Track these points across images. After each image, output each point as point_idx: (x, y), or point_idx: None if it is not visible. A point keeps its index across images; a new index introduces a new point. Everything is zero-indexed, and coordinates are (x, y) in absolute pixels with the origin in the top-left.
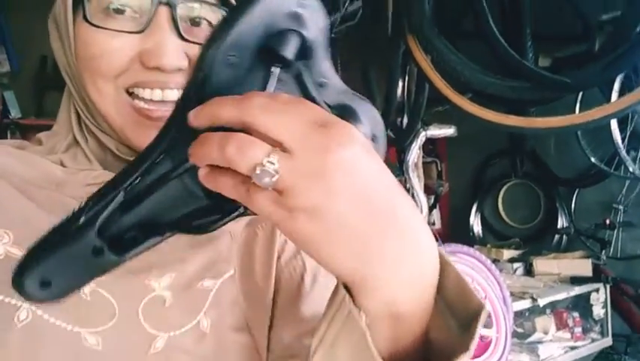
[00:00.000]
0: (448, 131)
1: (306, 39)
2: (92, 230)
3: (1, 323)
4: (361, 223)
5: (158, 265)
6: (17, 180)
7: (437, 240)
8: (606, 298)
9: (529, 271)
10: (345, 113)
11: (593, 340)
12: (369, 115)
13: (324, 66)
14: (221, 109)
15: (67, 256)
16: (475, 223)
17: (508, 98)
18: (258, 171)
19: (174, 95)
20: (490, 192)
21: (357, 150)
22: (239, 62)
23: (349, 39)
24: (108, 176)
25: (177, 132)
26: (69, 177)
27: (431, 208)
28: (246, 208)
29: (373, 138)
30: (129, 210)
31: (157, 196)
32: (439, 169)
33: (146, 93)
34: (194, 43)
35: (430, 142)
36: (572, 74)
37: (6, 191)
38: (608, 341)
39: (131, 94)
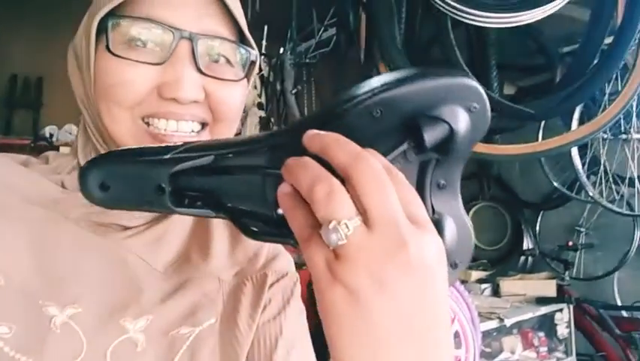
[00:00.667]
0: None
1: (454, 138)
2: (168, 168)
3: None
4: (389, 337)
5: (136, 306)
6: (11, 194)
7: None
8: (570, 318)
9: (496, 292)
10: (442, 224)
11: (558, 359)
12: (464, 239)
13: (454, 172)
14: (338, 148)
15: (134, 175)
16: None
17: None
18: (330, 227)
19: (189, 126)
20: None
21: (428, 270)
22: (379, 119)
23: (323, 64)
24: None
25: (290, 139)
26: (66, 196)
27: None
28: (296, 243)
29: (453, 265)
30: (207, 175)
31: (236, 179)
32: None
33: (161, 124)
34: (212, 77)
35: None
36: (535, 104)
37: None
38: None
39: (146, 123)
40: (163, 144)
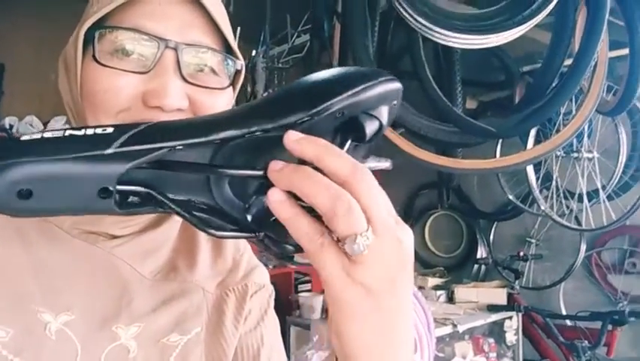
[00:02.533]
0: (384, 164)
1: (381, 131)
2: (115, 167)
3: None
4: (395, 322)
5: (128, 313)
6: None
7: None
8: (518, 326)
9: (450, 299)
10: None
11: None
12: None
13: (364, 154)
14: (334, 157)
15: (67, 177)
16: None
17: (439, 140)
18: (357, 241)
19: None
20: (418, 221)
21: (411, 259)
22: (338, 118)
23: (296, 69)
24: None
25: (261, 135)
26: None
27: None
28: (265, 237)
29: None
30: (156, 168)
31: (190, 176)
32: None
33: None
34: (196, 86)
35: None
36: (496, 123)
37: None
38: None
39: None
40: (90, 129)
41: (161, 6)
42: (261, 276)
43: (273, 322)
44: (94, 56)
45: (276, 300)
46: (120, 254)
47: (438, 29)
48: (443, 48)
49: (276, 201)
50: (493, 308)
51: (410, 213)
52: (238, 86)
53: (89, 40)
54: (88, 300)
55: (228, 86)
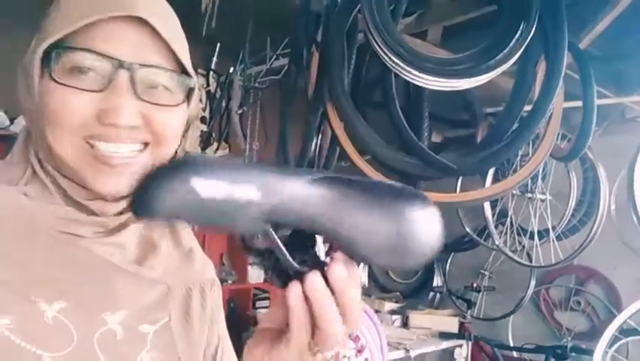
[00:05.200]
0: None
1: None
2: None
3: None
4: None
5: (112, 303)
6: None
7: None
8: (467, 354)
9: (405, 324)
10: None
11: None
12: None
13: None
14: (332, 317)
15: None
16: (363, 275)
17: (402, 171)
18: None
19: (128, 147)
20: None
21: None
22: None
23: (272, 90)
24: (76, 213)
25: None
26: (39, 209)
27: None
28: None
29: None
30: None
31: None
32: None
33: (101, 145)
34: (150, 103)
35: None
36: (459, 161)
37: None
38: None
39: (89, 144)
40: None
41: (116, 29)
42: (212, 272)
43: (222, 315)
44: (50, 75)
45: (233, 315)
46: (97, 250)
47: (410, 69)
48: (414, 85)
49: (294, 294)
50: (444, 336)
51: None
52: (192, 102)
53: (46, 58)
54: (76, 289)
55: (182, 103)
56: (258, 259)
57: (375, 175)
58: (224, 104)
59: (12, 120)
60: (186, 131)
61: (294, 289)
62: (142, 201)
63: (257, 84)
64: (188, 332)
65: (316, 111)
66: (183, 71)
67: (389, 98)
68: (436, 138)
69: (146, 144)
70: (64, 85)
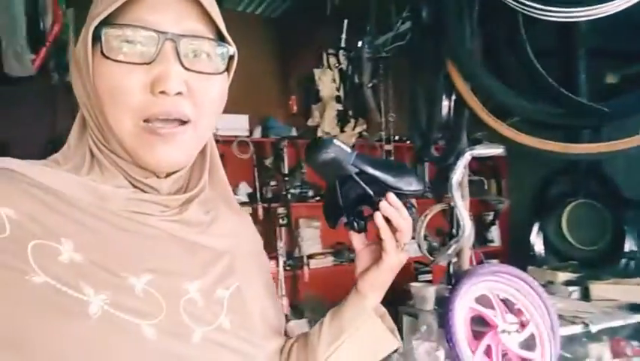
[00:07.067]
0: (496, 150)
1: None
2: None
3: (78, 316)
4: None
5: (188, 273)
6: (66, 195)
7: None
8: None
9: (585, 296)
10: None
11: None
12: None
13: None
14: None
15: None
16: (537, 242)
17: (555, 124)
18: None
19: (173, 123)
20: (553, 210)
21: None
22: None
23: (400, 58)
24: (141, 194)
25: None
26: (111, 191)
27: (490, 225)
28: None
29: None
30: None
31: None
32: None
33: (156, 123)
34: (194, 72)
35: (489, 159)
36: (611, 103)
37: (58, 205)
38: None
39: (145, 121)
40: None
41: (159, 1)
42: (257, 233)
43: (270, 272)
44: (102, 52)
45: (392, 289)
46: (165, 227)
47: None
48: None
49: (380, 218)
50: (637, 308)
51: (543, 202)
52: (232, 71)
53: (96, 38)
54: (156, 263)
55: (224, 71)
56: (349, 213)
57: (514, 136)
58: (356, 80)
59: None
60: (323, 110)
61: (378, 214)
62: (310, 154)
63: (384, 53)
64: (250, 292)
65: (439, 71)
66: (221, 39)
67: (520, 47)
68: (612, 79)
69: (186, 122)
70: (116, 60)
